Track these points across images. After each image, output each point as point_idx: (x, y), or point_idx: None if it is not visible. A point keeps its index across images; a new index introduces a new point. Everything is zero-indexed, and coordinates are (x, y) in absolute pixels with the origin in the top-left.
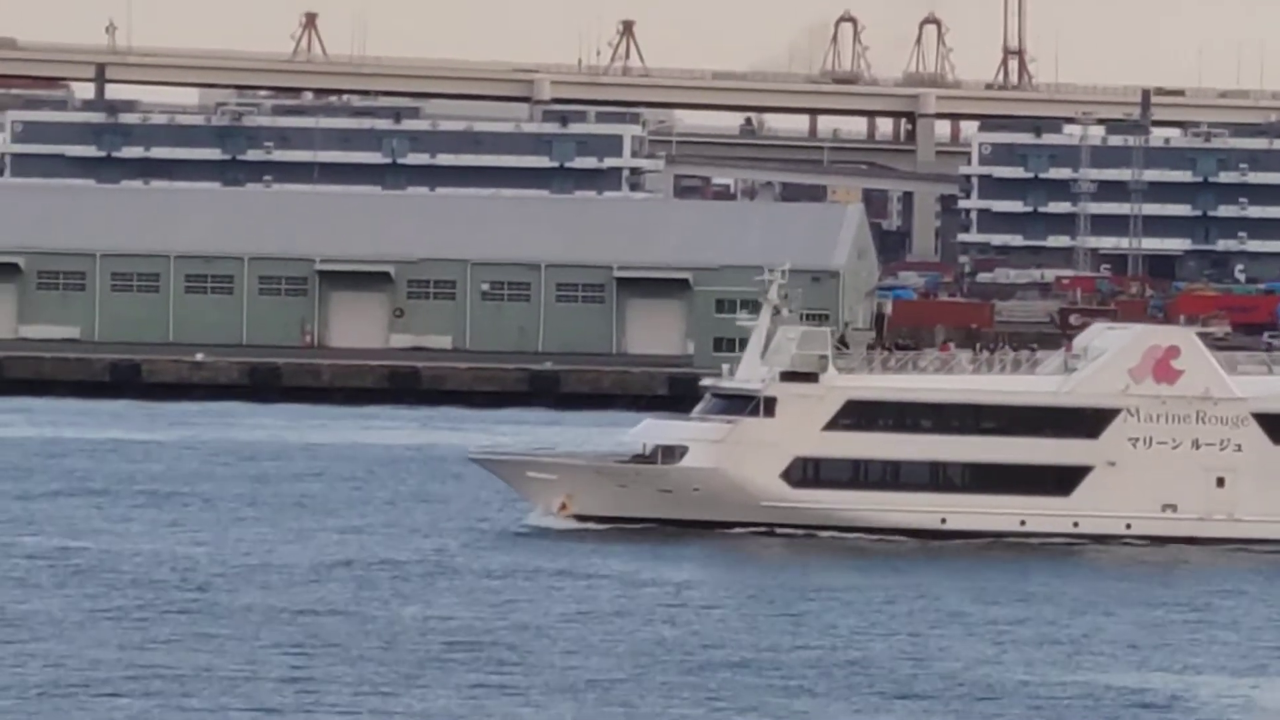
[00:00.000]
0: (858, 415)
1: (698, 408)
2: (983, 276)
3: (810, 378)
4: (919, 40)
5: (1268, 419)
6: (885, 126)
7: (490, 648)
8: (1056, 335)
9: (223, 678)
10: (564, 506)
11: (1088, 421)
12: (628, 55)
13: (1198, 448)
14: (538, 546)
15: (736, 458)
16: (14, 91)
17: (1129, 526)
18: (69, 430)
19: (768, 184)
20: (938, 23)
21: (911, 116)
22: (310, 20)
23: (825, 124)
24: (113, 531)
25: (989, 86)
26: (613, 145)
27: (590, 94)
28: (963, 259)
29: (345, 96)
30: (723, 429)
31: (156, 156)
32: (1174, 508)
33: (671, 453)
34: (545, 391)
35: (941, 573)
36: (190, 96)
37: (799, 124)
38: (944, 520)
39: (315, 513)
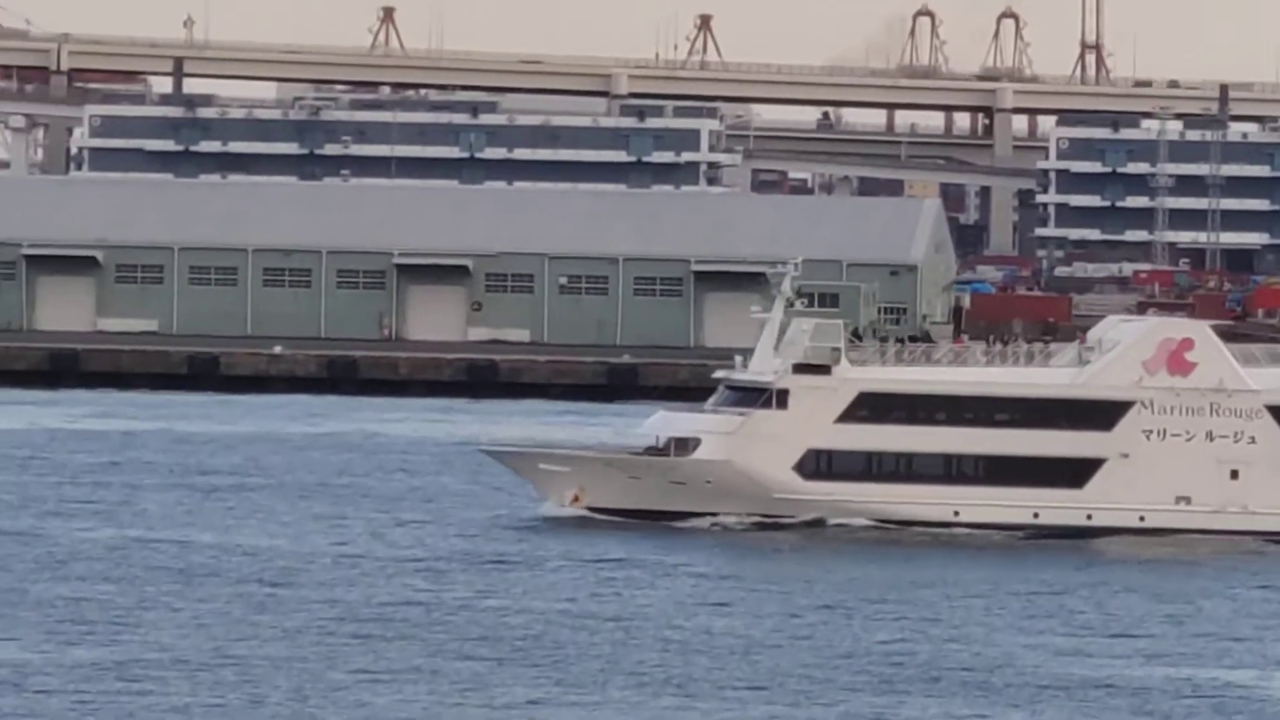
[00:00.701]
0: (870, 407)
1: (711, 400)
2: (1060, 271)
3: (823, 370)
4: (996, 34)
5: None
6: (963, 121)
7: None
8: None
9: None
10: (576, 499)
11: (1101, 414)
12: (705, 50)
13: (1211, 440)
14: (607, 539)
15: (749, 450)
16: (93, 86)
17: (1142, 519)
18: (151, 423)
19: (845, 178)
20: (1015, 17)
21: (989, 111)
22: (388, 14)
23: (903, 118)
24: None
25: (1067, 81)
26: (690, 140)
27: (668, 88)
28: (1040, 253)
29: (423, 91)
30: (735, 421)
31: (234, 151)
32: (1188, 500)
33: (684, 445)
34: (623, 385)
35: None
36: (268, 91)
37: (876, 118)
38: (957, 513)
39: (384, 503)
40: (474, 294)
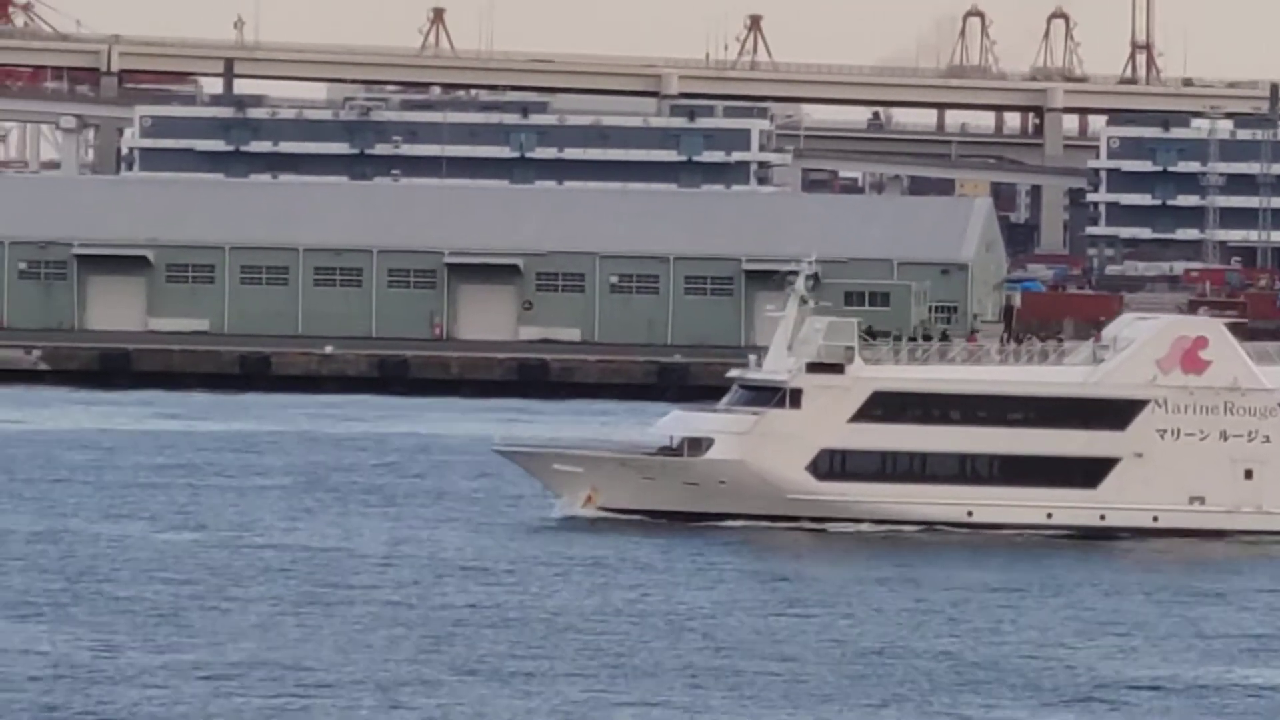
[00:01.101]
0: (884, 407)
1: (725, 399)
2: (1111, 269)
3: (836, 369)
4: (1047, 34)
5: None
6: (1013, 120)
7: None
8: None
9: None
10: (589, 499)
11: (1115, 413)
12: (755, 50)
13: (1226, 439)
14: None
15: (762, 449)
16: (143, 87)
17: (1156, 519)
18: (208, 423)
19: (895, 177)
20: (1065, 16)
21: (1039, 110)
22: (438, 15)
23: (953, 118)
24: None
25: (1117, 80)
26: (740, 139)
27: (718, 88)
28: (1091, 252)
29: (473, 91)
30: (748, 421)
31: (285, 151)
32: (1202, 500)
33: (698, 444)
34: (673, 384)
35: None
36: (318, 91)
37: (927, 118)
38: (970, 513)
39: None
40: (525, 293)
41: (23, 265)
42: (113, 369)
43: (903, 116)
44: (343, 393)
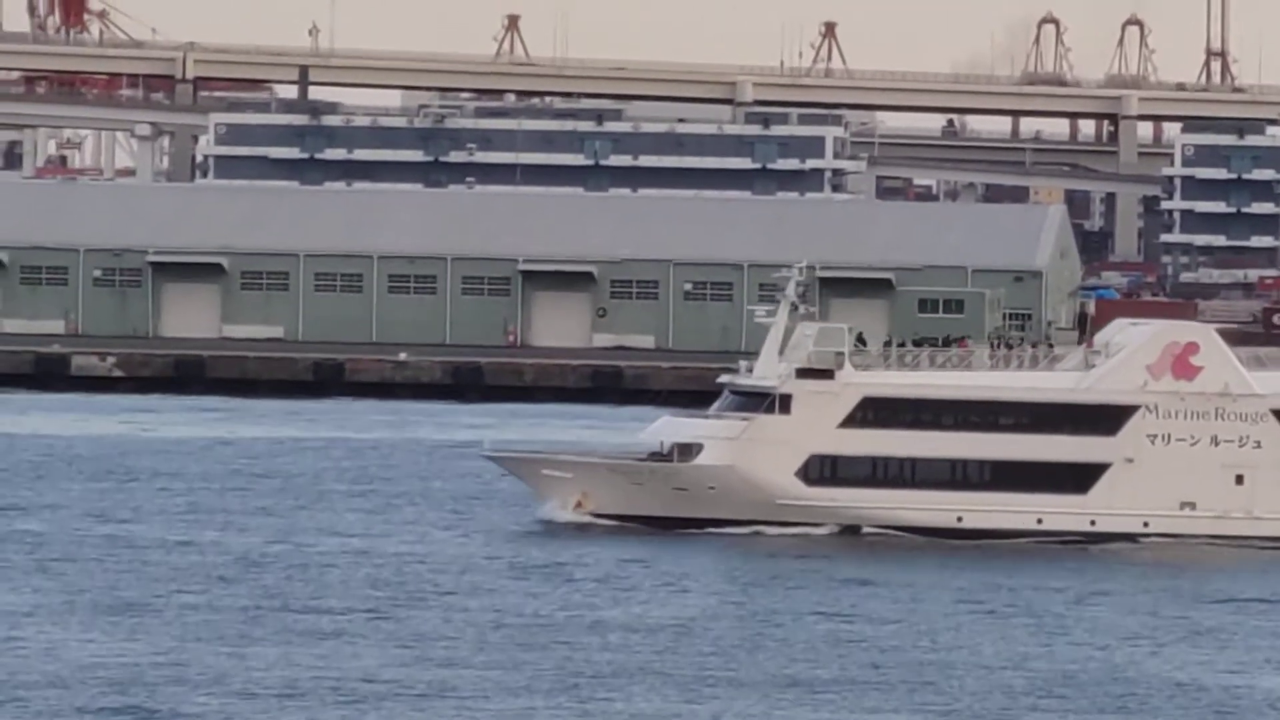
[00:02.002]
0: (874, 412)
1: (715, 405)
2: (1185, 276)
3: (826, 374)
4: (1121, 41)
5: None
6: (1087, 128)
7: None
8: (1260, 335)
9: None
10: (579, 504)
11: (1106, 418)
12: (830, 57)
13: (1216, 445)
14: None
15: (751, 455)
16: (218, 94)
17: (1147, 525)
18: (287, 429)
19: (970, 185)
20: (1140, 24)
21: (1114, 118)
22: (512, 22)
23: (1027, 125)
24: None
25: (1191, 88)
26: (815, 147)
27: (792, 96)
28: (1165, 259)
29: (547, 98)
30: (738, 426)
31: (359, 158)
32: (1192, 505)
33: (688, 450)
34: None
35: None
36: (393, 99)
37: (1001, 125)
38: (960, 519)
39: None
40: (599, 300)
41: (98, 273)
42: (187, 376)
43: (977, 124)
44: (416, 399)
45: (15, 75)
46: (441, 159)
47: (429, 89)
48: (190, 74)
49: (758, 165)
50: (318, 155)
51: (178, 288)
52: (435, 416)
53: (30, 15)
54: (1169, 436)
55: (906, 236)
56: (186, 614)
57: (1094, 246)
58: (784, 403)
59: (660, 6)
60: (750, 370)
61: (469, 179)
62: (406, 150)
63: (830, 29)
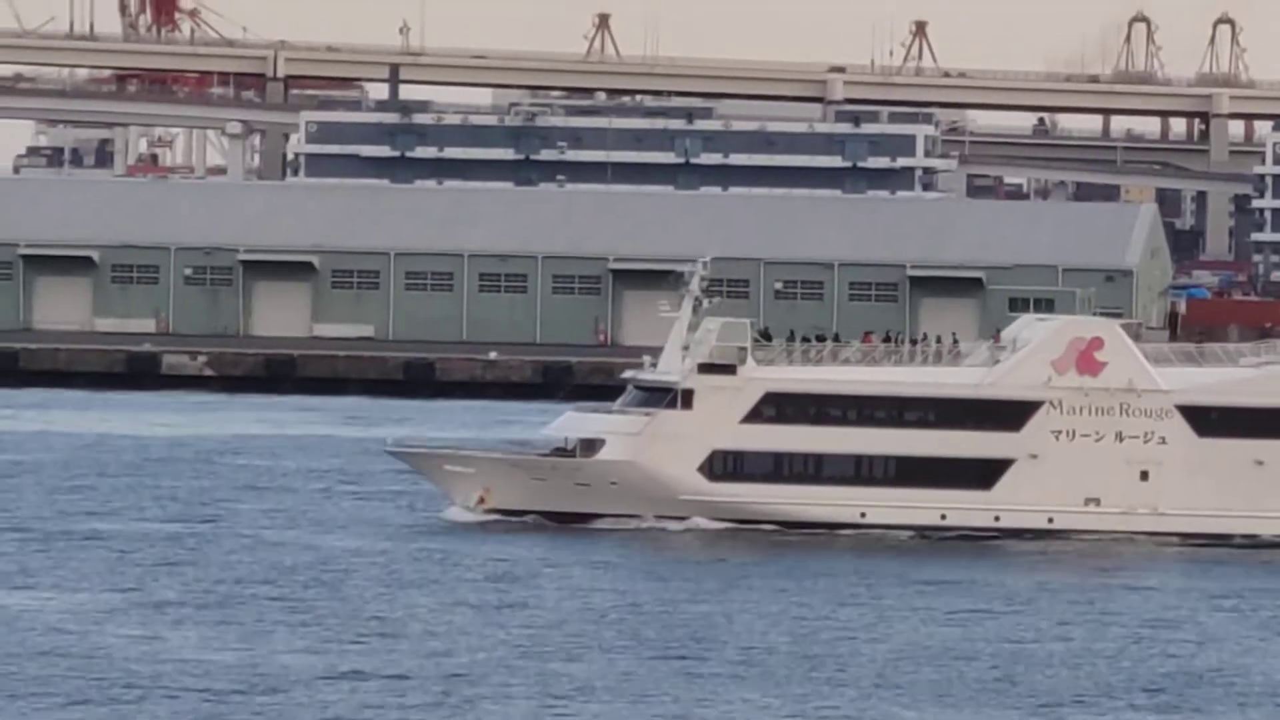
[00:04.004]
0: (776, 407)
1: (619, 400)
2: (1276, 275)
3: (728, 370)
4: (1212, 40)
5: (1192, 411)
6: (1178, 126)
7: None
8: None
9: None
10: (482, 500)
11: (1010, 414)
12: (920, 55)
13: (1121, 440)
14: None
15: (653, 450)
16: (309, 92)
17: (1051, 520)
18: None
19: (1061, 184)
20: (1231, 22)
21: (1205, 116)
22: (603, 20)
23: (1118, 124)
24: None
25: None
26: (906, 145)
27: (883, 94)
28: (1257, 258)
29: (638, 97)
30: (639, 421)
31: (450, 157)
32: (1097, 501)
33: (591, 445)
34: None
35: None
36: (483, 97)
37: (1092, 124)
38: (863, 514)
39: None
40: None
41: (189, 271)
42: (277, 375)
43: (1068, 122)
44: (506, 399)
45: (107, 74)
46: (532, 157)
47: (519, 87)
48: (281, 72)
49: (848, 163)
50: (408, 154)
51: (268, 286)
52: (524, 416)
53: (122, 15)
54: (1074, 432)
55: (997, 235)
56: None
57: (1185, 245)
58: (686, 398)
59: (751, 5)
60: (655, 365)
61: (559, 177)
62: (497, 149)
63: (921, 27)
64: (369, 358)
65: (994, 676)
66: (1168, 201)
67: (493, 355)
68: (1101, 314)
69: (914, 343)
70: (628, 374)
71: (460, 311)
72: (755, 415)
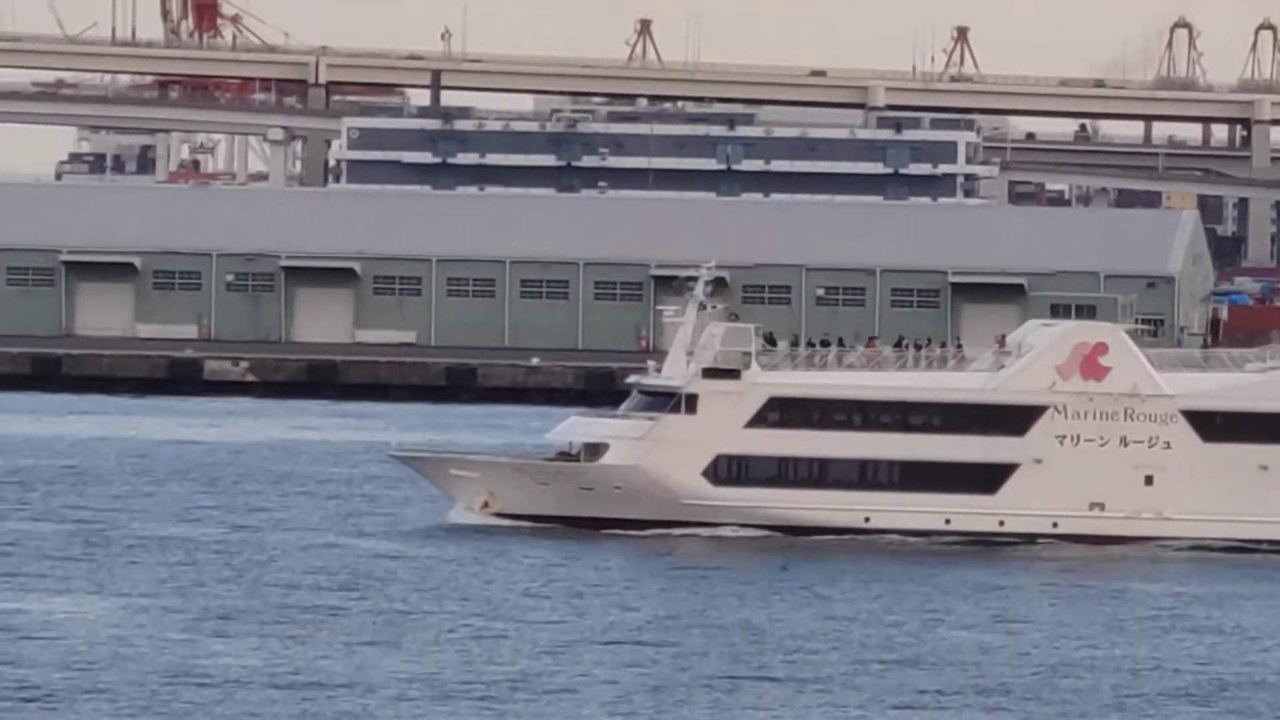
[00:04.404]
0: (780, 412)
1: (624, 405)
2: None
3: (733, 374)
4: (1254, 46)
5: (1197, 416)
6: (1220, 132)
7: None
8: None
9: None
10: (486, 504)
11: (1014, 419)
12: (962, 62)
13: (1126, 445)
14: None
15: (657, 455)
16: (351, 98)
17: (1055, 525)
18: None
19: (1102, 190)
20: (1273, 28)
21: (1247, 123)
22: (645, 27)
23: (1160, 130)
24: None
25: None
26: (947, 152)
27: (924, 100)
28: None
29: (680, 103)
30: (643, 426)
31: (491, 163)
32: (1101, 506)
33: (594, 450)
34: None
35: None
36: (525, 103)
37: (1134, 130)
38: (868, 519)
39: None
40: (731, 306)
41: (230, 277)
42: (320, 380)
43: (1110, 128)
44: (548, 404)
45: (149, 80)
46: (574, 164)
47: (561, 93)
48: (323, 78)
49: (890, 170)
50: (450, 160)
51: (310, 292)
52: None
53: (164, 20)
54: (1078, 437)
55: (1039, 241)
56: None
57: (1227, 252)
58: (690, 402)
59: (793, 11)
60: (659, 370)
61: (601, 184)
62: (539, 155)
63: (962, 33)
64: (411, 363)
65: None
66: (1209, 208)
67: (535, 361)
68: (1142, 321)
69: (918, 348)
70: (632, 379)
71: (502, 317)
72: (759, 420)
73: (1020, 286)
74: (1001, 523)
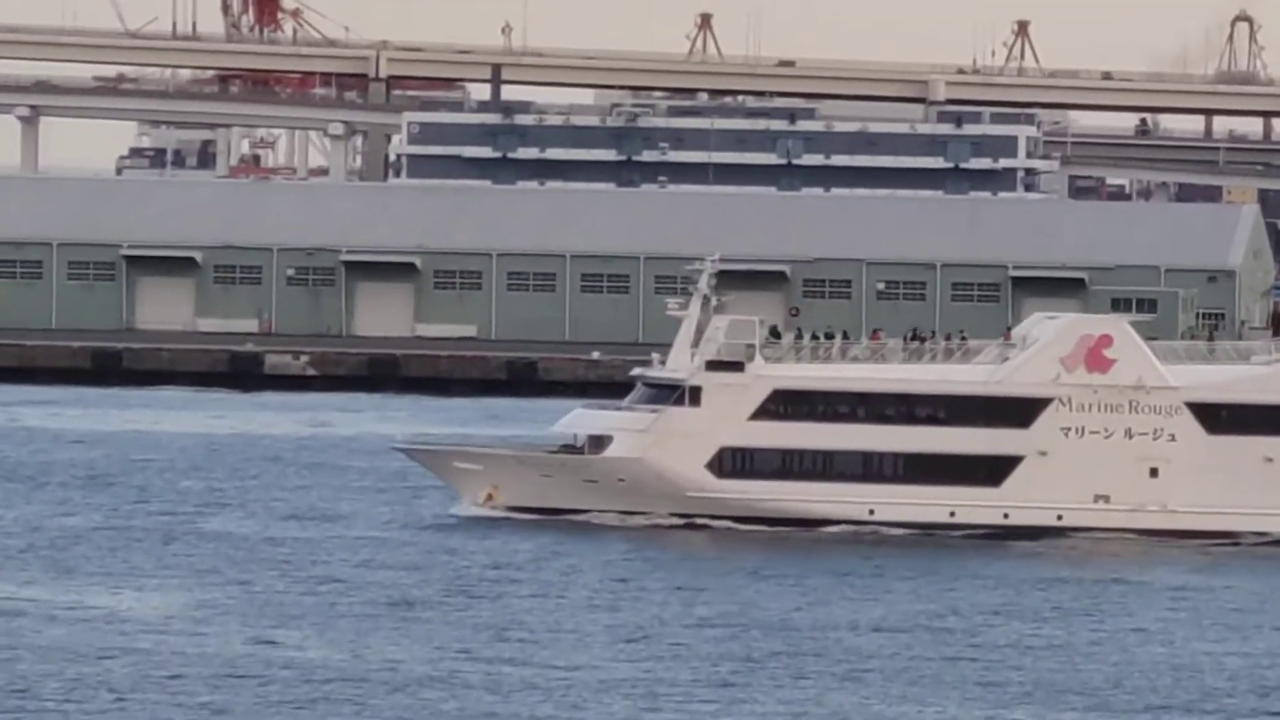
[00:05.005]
0: (784, 405)
1: (628, 397)
2: None
3: (736, 367)
4: None
5: (1202, 408)
6: None
7: None
8: None
9: None
10: (490, 497)
11: (1019, 411)
12: (1022, 56)
13: (1130, 437)
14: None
15: (661, 447)
16: (411, 93)
17: (1060, 518)
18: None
19: (1163, 184)
20: None
21: None
22: (705, 21)
23: (1220, 124)
24: None
25: None
26: (1007, 146)
27: (985, 95)
28: None
29: (740, 97)
30: (647, 418)
31: (552, 157)
32: (1106, 499)
33: (599, 442)
34: None
35: None
36: (585, 97)
37: (1195, 124)
38: (872, 511)
39: None
40: (791, 299)
41: (291, 272)
42: (380, 375)
43: (1170, 123)
44: (609, 398)
45: (209, 75)
46: (634, 158)
47: (621, 88)
48: (383, 73)
49: (950, 164)
50: (510, 154)
51: (371, 287)
52: None
53: (224, 15)
54: (1083, 429)
55: (1099, 236)
56: None
57: None
58: (694, 395)
59: (852, 6)
60: (663, 363)
61: (661, 178)
62: (599, 149)
63: (1023, 28)
64: (471, 357)
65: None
66: (1270, 202)
67: (595, 355)
68: (1203, 315)
69: (921, 340)
70: (636, 371)
71: (563, 312)
72: (763, 412)
73: (1081, 281)
74: (1006, 515)
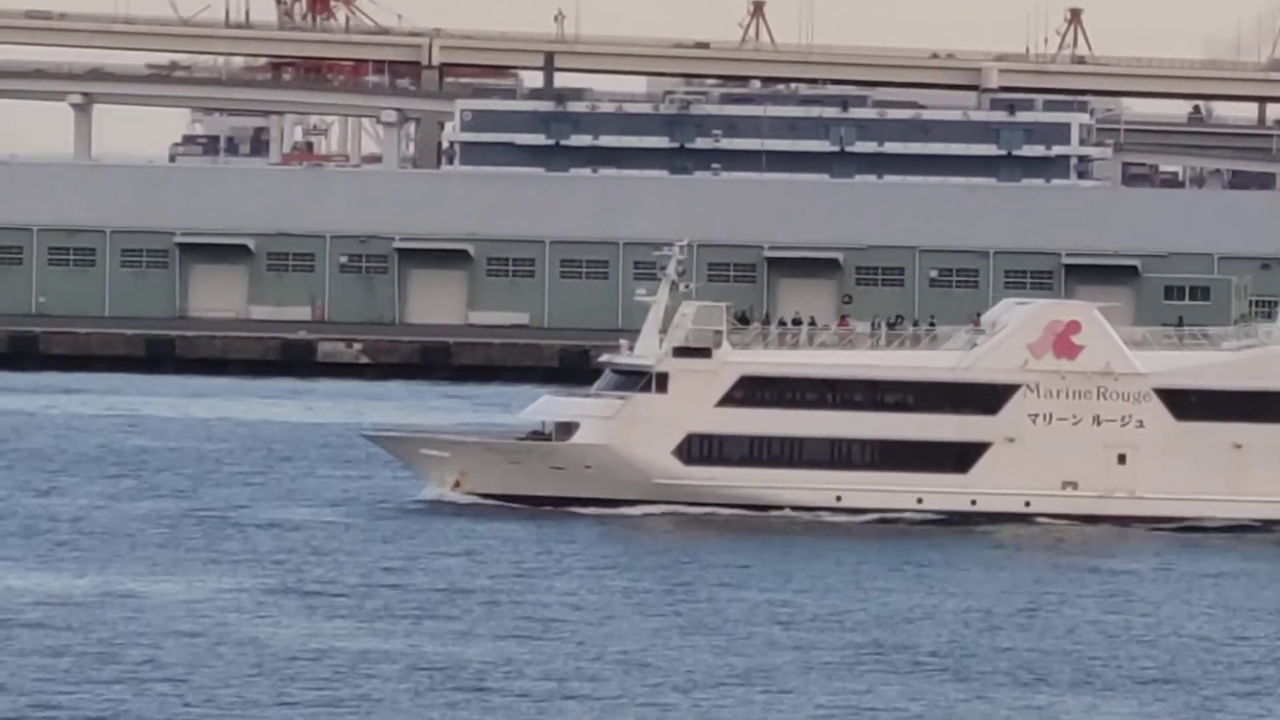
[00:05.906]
0: (752, 391)
1: (596, 384)
2: None
3: (704, 353)
4: None
5: (1170, 394)
6: None
7: None
8: None
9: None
10: (458, 484)
11: (986, 397)
12: (1075, 43)
13: (1099, 424)
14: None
15: (628, 434)
16: (464, 80)
17: (1028, 504)
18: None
19: (1216, 171)
20: None
21: None
22: (758, 8)
23: (1274, 111)
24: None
25: None
26: (1060, 133)
27: (1038, 82)
28: None
29: (793, 85)
30: (614, 405)
31: (604, 145)
32: (1074, 485)
33: (566, 429)
34: None
35: None
36: (638, 85)
37: (1248, 111)
38: (839, 498)
39: None
40: (844, 287)
41: (344, 259)
42: (433, 362)
43: (1224, 110)
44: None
45: (262, 62)
46: (687, 145)
47: (674, 75)
48: (436, 60)
49: (1003, 152)
50: (563, 142)
51: (424, 274)
52: None
53: (277, 3)
54: (1051, 416)
55: (1152, 223)
56: None
57: None
58: (661, 381)
59: None
60: (631, 349)
61: (714, 165)
62: (652, 137)
63: (1076, 15)
64: (524, 345)
65: None
66: None
67: None
68: (1256, 302)
69: (890, 326)
70: (604, 358)
71: (615, 299)
72: (730, 399)
73: (1134, 268)
74: (974, 502)
